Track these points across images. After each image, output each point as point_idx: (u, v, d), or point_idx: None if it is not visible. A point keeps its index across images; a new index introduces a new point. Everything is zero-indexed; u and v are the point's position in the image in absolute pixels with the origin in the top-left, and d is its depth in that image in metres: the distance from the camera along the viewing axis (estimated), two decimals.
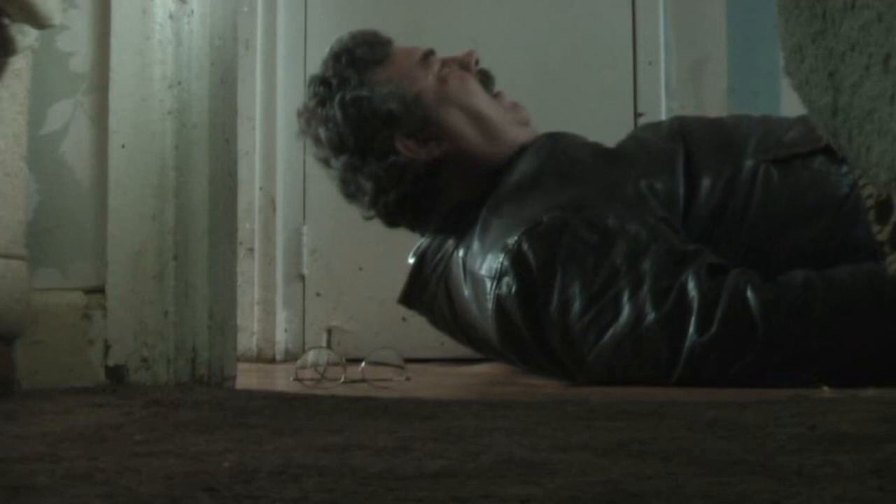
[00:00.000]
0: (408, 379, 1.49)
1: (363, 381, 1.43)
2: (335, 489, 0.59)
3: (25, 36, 1.18)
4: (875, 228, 0.81)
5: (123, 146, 1.21)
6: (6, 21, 1.15)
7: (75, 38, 1.25)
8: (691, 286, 1.34)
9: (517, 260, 1.42)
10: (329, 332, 2.21)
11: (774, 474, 0.62)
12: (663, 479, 0.61)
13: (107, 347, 1.19)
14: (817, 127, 0.72)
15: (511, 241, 1.44)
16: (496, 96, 1.67)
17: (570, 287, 1.39)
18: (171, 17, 1.24)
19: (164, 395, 1.08)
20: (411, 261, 1.65)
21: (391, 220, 1.67)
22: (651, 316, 1.34)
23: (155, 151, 1.21)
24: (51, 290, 1.20)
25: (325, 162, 1.67)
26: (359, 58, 1.63)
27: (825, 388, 1.21)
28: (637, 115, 2.11)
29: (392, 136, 1.59)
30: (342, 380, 1.44)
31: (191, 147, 1.23)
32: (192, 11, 1.25)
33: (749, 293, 1.32)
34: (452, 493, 0.58)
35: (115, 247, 1.20)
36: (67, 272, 1.22)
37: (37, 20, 1.17)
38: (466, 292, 1.52)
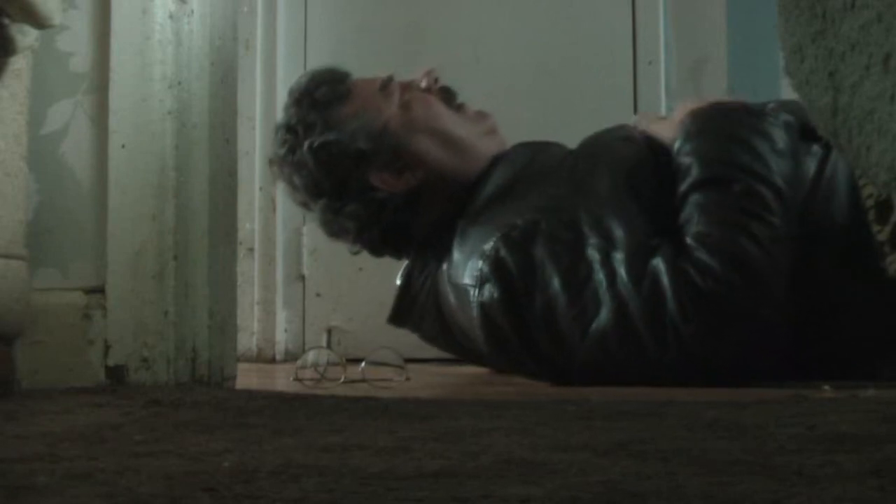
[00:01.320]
0: (408, 379, 1.49)
1: (363, 381, 1.43)
2: (335, 489, 0.59)
3: (25, 36, 1.18)
4: (875, 228, 0.81)
5: (123, 146, 1.21)
6: (6, 21, 1.15)
7: (75, 38, 1.25)
8: (662, 271, 1.34)
9: (496, 266, 1.43)
10: (329, 332, 2.21)
11: (774, 474, 0.62)
12: (663, 479, 0.61)
13: (107, 347, 1.19)
14: (817, 127, 0.72)
15: (488, 246, 1.44)
16: (459, 109, 1.67)
17: (550, 286, 1.40)
18: (171, 17, 1.24)
19: (164, 395, 1.08)
20: (399, 282, 1.67)
21: (376, 251, 1.69)
22: (630, 306, 1.35)
23: (155, 151, 1.21)
24: (51, 290, 1.20)
25: (305, 206, 1.68)
26: (319, 99, 1.62)
27: (825, 388, 1.21)
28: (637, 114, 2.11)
29: (366, 174, 1.59)
30: (342, 380, 1.44)
31: (191, 147, 1.23)
32: (192, 11, 1.25)
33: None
34: (452, 493, 0.58)
35: (115, 247, 1.20)
36: (67, 272, 1.22)
37: (37, 20, 1.17)
38: (452, 301, 1.53)
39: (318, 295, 2.23)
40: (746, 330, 1.34)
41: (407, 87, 1.66)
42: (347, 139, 1.59)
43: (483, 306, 1.44)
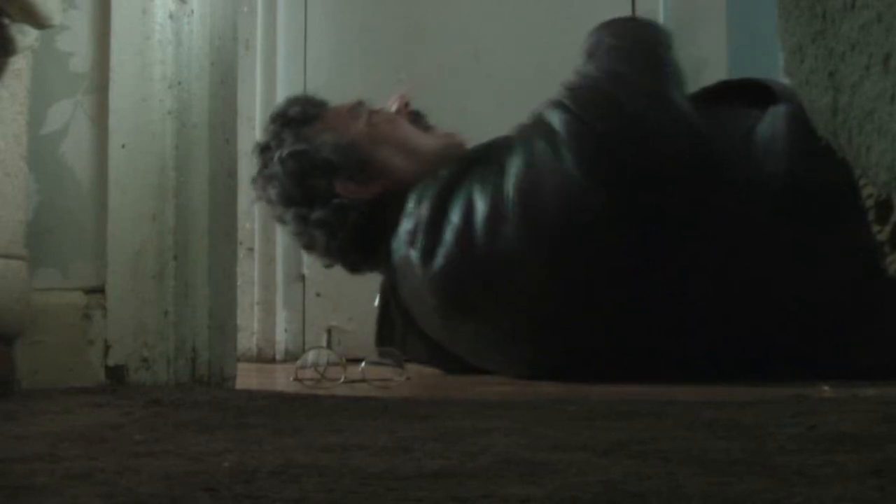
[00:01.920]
0: (408, 379, 1.49)
1: (363, 381, 1.43)
2: (335, 489, 0.59)
3: (25, 36, 1.18)
4: (875, 228, 0.81)
5: (123, 146, 1.21)
6: (6, 21, 1.15)
7: (75, 38, 1.25)
8: (545, 113, 1.45)
9: (419, 216, 1.49)
10: (329, 332, 2.20)
11: (774, 474, 0.62)
12: (663, 479, 0.61)
13: (107, 347, 1.19)
14: (817, 127, 0.72)
15: (411, 206, 1.52)
16: (427, 129, 1.73)
17: (471, 194, 1.45)
18: (171, 17, 1.24)
19: (164, 395, 1.08)
20: (377, 303, 1.70)
21: (350, 264, 1.73)
22: (535, 159, 1.42)
23: (155, 151, 1.21)
24: (51, 290, 1.20)
25: (281, 219, 1.73)
26: (292, 118, 1.71)
27: (825, 388, 1.21)
28: None
29: (332, 183, 1.65)
30: (342, 380, 1.44)
31: (191, 147, 1.23)
32: (192, 11, 1.25)
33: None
34: (452, 493, 0.58)
35: (115, 247, 1.20)
36: (67, 272, 1.22)
37: (37, 20, 1.17)
38: (405, 284, 1.56)
39: (318, 295, 2.23)
40: (634, 123, 1.39)
41: (377, 111, 1.73)
42: (315, 150, 1.66)
43: (423, 257, 1.48)
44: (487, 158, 1.51)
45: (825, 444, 0.72)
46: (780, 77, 1.51)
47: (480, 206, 1.43)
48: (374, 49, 2.23)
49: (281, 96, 2.22)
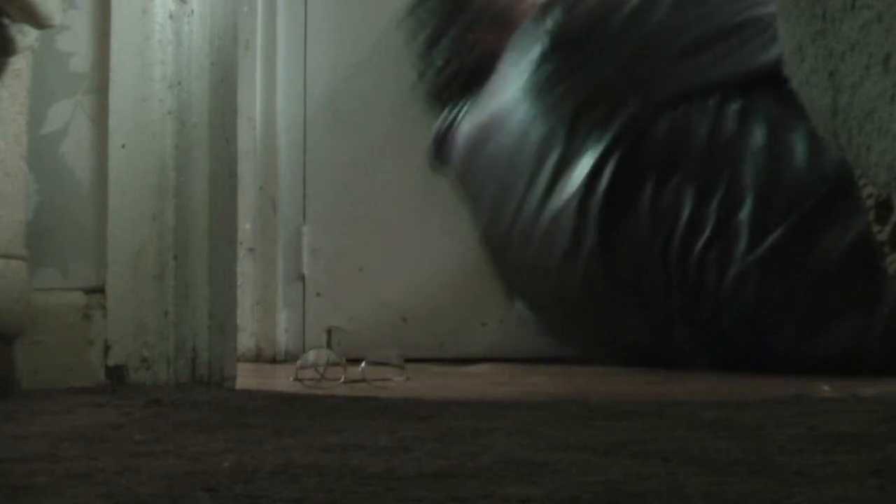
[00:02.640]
0: (408, 379, 1.49)
1: (363, 381, 1.43)
2: (335, 489, 0.59)
3: (25, 36, 1.18)
4: (875, 228, 0.81)
5: (123, 146, 1.21)
6: (6, 21, 1.15)
7: (75, 38, 1.25)
8: None
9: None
10: (329, 332, 2.20)
11: (774, 474, 0.62)
12: (663, 479, 0.61)
13: (107, 347, 1.19)
14: (817, 127, 0.72)
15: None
16: None
17: None
18: (171, 17, 1.24)
19: (164, 395, 1.08)
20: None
21: (446, 96, 1.96)
22: None
23: (155, 151, 1.21)
24: (51, 290, 1.20)
25: (413, 37, 2.01)
26: None
27: (825, 388, 1.21)
28: None
29: (472, 25, 1.93)
30: (342, 380, 1.44)
31: (191, 147, 1.23)
32: (192, 11, 1.25)
33: None
34: (452, 493, 0.58)
35: (115, 247, 1.20)
36: (67, 272, 1.22)
37: (37, 20, 1.17)
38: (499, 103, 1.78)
39: (318, 295, 2.23)
40: None
41: None
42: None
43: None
44: None
45: (825, 444, 0.72)
46: None
47: None
48: (374, 49, 2.23)
49: (281, 96, 2.23)
